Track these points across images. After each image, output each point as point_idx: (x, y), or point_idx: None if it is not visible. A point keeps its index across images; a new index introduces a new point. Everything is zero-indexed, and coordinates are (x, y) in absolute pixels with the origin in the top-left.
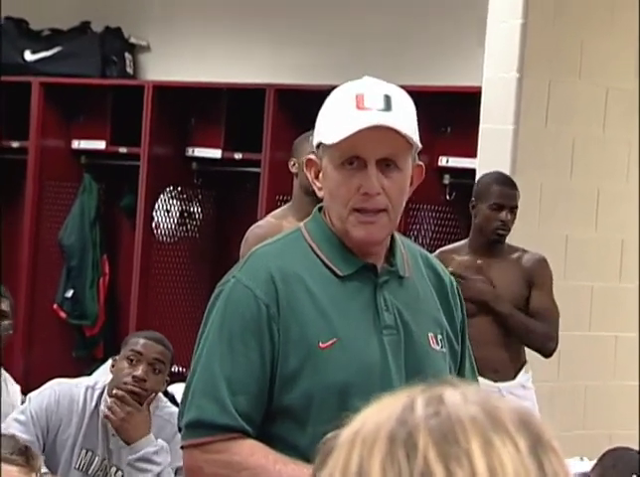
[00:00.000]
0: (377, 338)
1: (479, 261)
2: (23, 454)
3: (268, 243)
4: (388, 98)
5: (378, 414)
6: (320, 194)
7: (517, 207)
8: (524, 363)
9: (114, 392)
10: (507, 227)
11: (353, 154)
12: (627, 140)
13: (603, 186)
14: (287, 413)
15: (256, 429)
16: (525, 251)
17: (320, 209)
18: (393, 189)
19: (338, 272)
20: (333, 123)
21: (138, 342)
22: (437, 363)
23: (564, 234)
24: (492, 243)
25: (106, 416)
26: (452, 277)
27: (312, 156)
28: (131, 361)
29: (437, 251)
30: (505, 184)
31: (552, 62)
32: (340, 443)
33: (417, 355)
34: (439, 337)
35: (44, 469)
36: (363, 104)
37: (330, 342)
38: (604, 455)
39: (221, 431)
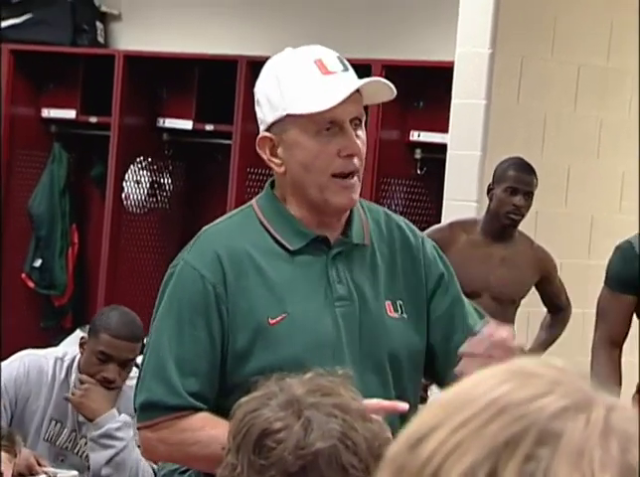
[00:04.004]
0: (329, 311)
1: (489, 245)
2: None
3: (219, 222)
4: (341, 59)
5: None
6: (280, 170)
7: (532, 193)
8: None
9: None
10: (520, 212)
11: (330, 119)
12: (598, 117)
13: (574, 162)
14: (242, 388)
15: (211, 405)
16: (533, 241)
17: (272, 184)
18: (362, 148)
19: (288, 247)
20: (304, 92)
21: (108, 340)
22: (395, 331)
23: (534, 209)
24: (504, 228)
25: (66, 398)
26: (428, 240)
27: (266, 134)
28: (101, 360)
29: (447, 223)
30: (522, 169)
31: (524, 38)
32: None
33: (374, 323)
34: (399, 303)
35: None
36: (326, 69)
37: (279, 317)
38: None
39: (171, 412)
